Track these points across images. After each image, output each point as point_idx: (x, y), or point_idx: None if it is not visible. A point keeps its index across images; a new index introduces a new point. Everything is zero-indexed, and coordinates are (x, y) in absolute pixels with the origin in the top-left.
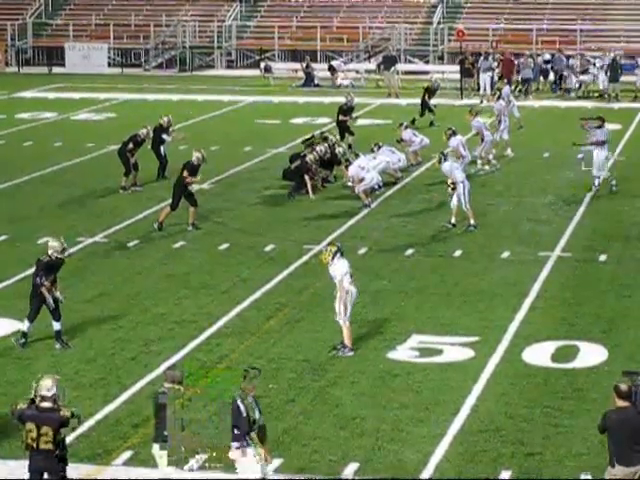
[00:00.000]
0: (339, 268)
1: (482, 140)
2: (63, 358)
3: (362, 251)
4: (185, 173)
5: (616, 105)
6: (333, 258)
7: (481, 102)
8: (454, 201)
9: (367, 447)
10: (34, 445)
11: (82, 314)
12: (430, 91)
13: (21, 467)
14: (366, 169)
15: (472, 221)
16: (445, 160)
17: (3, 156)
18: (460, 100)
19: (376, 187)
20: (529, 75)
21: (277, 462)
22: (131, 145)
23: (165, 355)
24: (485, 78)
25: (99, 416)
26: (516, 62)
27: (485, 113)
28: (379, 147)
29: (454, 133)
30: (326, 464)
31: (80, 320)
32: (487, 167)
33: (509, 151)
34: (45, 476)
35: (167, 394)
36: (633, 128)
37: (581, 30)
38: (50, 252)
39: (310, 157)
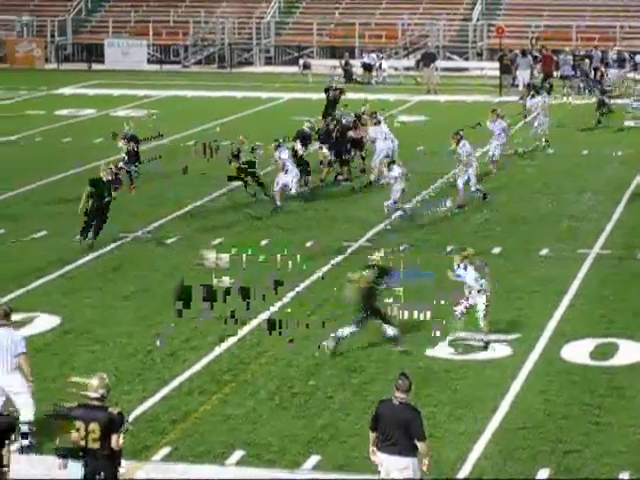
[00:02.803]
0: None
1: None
2: (102, 354)
3: (402, 247)
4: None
5: None
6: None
7: (520, 99)
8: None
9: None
10: (83, 444)
11: (121, 310)
12: None
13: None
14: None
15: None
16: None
17: (42, 152)
18: (499, 97)
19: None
20: (569, 72)
21: (315, 459)
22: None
23: (204, 351)
24: (524, 75)
25: (138, 412)
26: (555, 59)
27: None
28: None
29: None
30: (364, 461)
31: (119, 316)
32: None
33: (543, 142)
34: (99, 476)
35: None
36: None
37: (621, 27)
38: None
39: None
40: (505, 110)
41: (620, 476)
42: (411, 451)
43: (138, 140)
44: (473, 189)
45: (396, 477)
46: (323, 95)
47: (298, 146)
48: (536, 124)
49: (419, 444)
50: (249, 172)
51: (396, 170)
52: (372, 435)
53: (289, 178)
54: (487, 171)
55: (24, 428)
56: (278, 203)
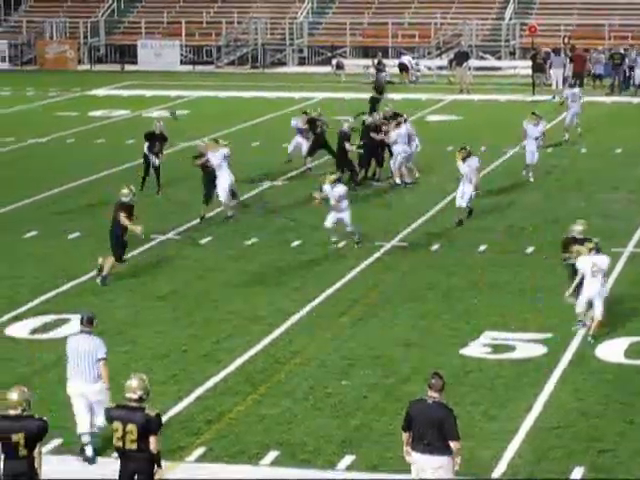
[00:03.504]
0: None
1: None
2: (135, 354)
3: (435, 247)
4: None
5: None
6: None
7: (553, 98)
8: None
9: None
10: (120, 445)
11: (154, 311)
12: None
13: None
14: None
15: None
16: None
17: (76, 153)
18: (532, 96)
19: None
20: (600, 71)
21: (349, 459)
22: None
23: (238, 352)
24: (557, 74)
25: (172, 412)
26: (588, 57)
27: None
28: None
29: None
30: (398, 461)
31: (152, 317)
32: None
33: (567, 136)
34: (136, 477)
35: None
36: None
37: None
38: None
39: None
40: (541, 109)
41: None
42: (445, 450)
43: (166, 139)
44: (464, 205)
45: (429, 476)
46: (356, 95)
47: (348, 147)
48: (571, 114)
49: (452, 443)
50: None
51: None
52: (405, 435)
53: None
54: (525, 179)
55: (93, 436)
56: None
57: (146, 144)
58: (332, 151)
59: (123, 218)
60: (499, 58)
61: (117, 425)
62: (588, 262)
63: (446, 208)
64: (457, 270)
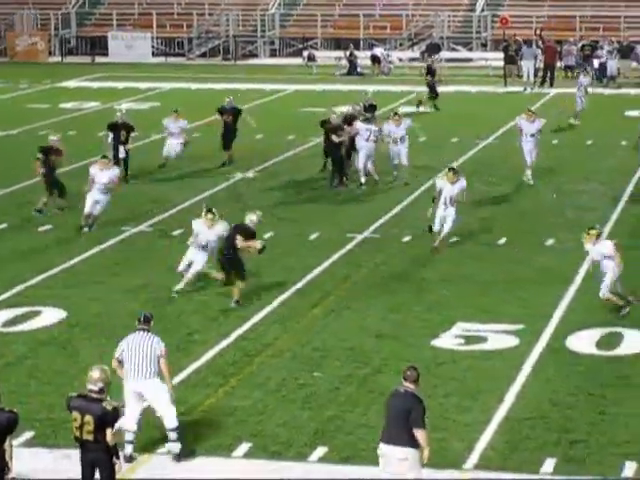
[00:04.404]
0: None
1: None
2: (108, 347)
3: (406, 239)
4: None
5: None
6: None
7: (525, 90)
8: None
9: None
10: (78, 435)
11: (126, 303)
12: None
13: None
14: None
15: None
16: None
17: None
18: (504, 87)
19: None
20: (572, 62)
21: (321, 451)
22: None
23: (209, 344)
24: (528, 65)
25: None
26: (559, 49)
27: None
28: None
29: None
30: (371, 453)
31: (124, 309)
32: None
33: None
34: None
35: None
36: None
37: (625, 16)
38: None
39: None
40: (512, 101)
41: (626, 466)
42: (411, 442)
43: (131, 128)
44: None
45: (395, 468)
46: (328, 87)
47: (335, 138)
48: (579, 102)
49: (417, 432)
50: None
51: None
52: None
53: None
54: (526, 182)
55: (172, 436)
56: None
57: (110, 135)
58: None
59: (240, 241)
60: (471, 50)
61: (76, 415)
62: (595, 250)
63: (419, 199)
64: (429, 262)
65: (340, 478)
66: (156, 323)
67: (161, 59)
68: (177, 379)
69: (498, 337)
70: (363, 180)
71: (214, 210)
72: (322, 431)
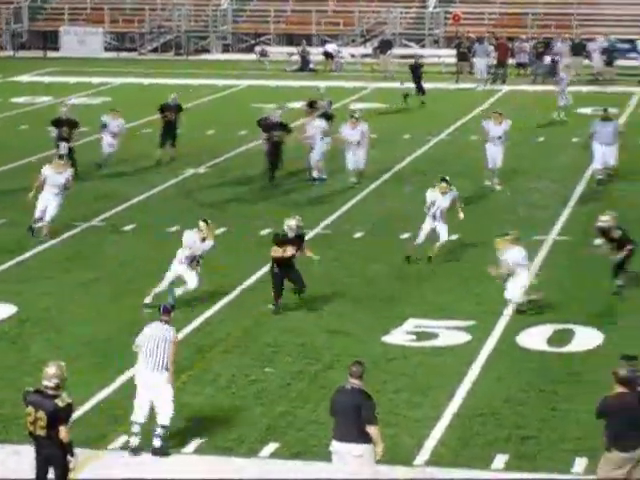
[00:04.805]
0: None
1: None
2: (59, 342)
3: (358, 235)
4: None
5: (609, 89)
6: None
7: (477, 87)
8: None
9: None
10: (32, 430)
11: (78, 299)
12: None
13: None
14: None
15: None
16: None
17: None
18: (456, 84)
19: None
20: (524, 59)
21: (273, 447)
22: None
23: None
24: (481, 63)
25: (96, 400)
26: (511, 46)
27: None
28: None
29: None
30: (322, 449)
31: (76, 305)
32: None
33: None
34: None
35: None
36: (630, 111)
37: (577, 14)
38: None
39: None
40: (465, 98)
41: (576, 462)
42: (364, 438)
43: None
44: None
45: (351, 466)
46: (280, 82)
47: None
48: (562, 98)
49: (369, 429)
50: None
51: None
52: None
53: None
54: (491, 187)
55: (159, 431)
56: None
57: (55, 131)
58: None
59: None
60: (423, 46)
61: (30, 410)
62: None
63: (370, 195)
64: (380, 258)
65: (292, 476)
66: (107, 318)
67: (113, 54)
68: (129, 374)
69: (450, 333)
70: (315, 175)
71: (209, 221)
72: (273, 427)
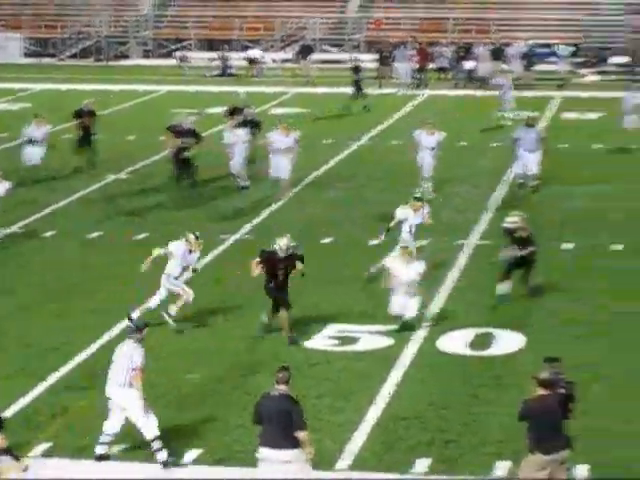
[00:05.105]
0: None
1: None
2: None
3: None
4: None
5: (528, 93)
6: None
7: (398, 91)
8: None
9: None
10: None
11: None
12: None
13: None
14: None
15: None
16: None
17: None
18: (378, 89)
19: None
20: (445, 64)
21: (195, 453)
22: None
23: (81, 346)
24: (402, 67)
25: (16, 407)
26: (431, 51)
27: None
28: None
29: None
30: (246, 455)
31: None
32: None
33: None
34: None
35: None
36: (550, 116)
37: (497, 19)
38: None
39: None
40: (386, 101)
41: (498, 465)
42: (293, 443)
43: None
44: None
45: (282, 471)
46: (201, 88)
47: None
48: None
49: (299, 434)
50: None
51: None
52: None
53: None
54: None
55: (155, 445)
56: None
57: None
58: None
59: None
60: (344, 51)
61: None
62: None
63: (291, 201)
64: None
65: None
66: (27, 324)
67: (33, 60)
68: (50, 381)
69: (371, 338)
70: (243, 183)
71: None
72: (196, 433)
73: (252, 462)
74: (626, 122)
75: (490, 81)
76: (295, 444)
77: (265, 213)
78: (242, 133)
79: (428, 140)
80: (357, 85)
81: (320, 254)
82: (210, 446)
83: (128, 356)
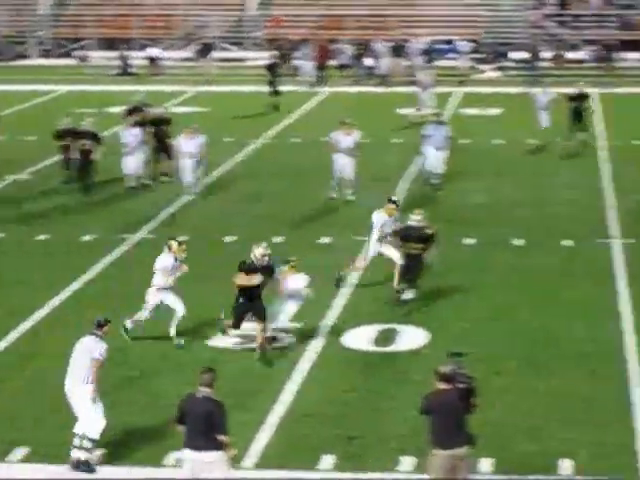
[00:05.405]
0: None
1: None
2: None
3: (181, 239)
4: None
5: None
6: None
7: (301, 88)
8: None
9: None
10: None
11: None
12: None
13: None
14: None
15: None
16: None
17: None
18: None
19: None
20: (345, 61)
21: (99, 453)
22: None
23: None
24: (303, 65)
25: None
26: (331, 48)
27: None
28: None
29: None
30: (146, 454)
31: None
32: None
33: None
34: None
35: None
36: (451, 112)
37: (396, 15)
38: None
39: None
40: (287, 99)
41: (402, 460)
42: (216, 445)
43: None
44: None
45: (205, 472)
46: (101, 87)
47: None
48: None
49: (221, 437)
50: None
51: None
52: (179, 428)
53: None
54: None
55: (84, 443)
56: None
57: None
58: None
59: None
60: (244, 49)
61: None
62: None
63: (192, 199)
64: (203, 261)
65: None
66: None
67: None
68: None
69: (276, 336)
70: (145, 182)
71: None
72: (102, 436)
73: (152, 461)
74: (543, 121)
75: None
76: (217, 446)
77: (166, 212)
78: (139, 133)
79: (345, 140)
80: (272, 84)
81: (223, 252)
82: (113, 448)
83: (88, 351)
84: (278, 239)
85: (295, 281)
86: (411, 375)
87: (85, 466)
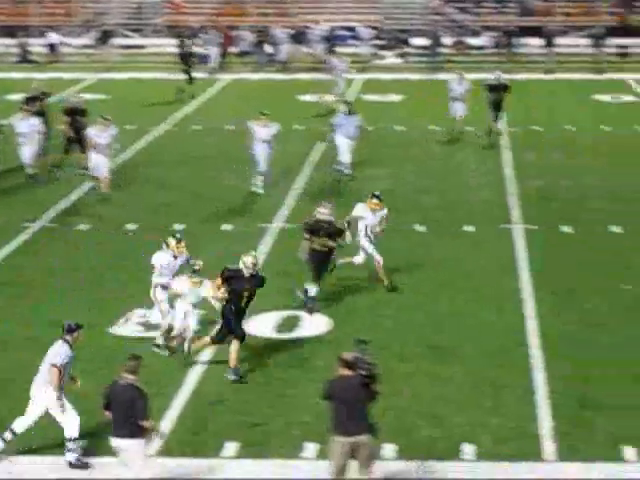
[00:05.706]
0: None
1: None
2: None
3: (82, 227)
4: None
5: (329, 76)
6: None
7: (207, 76)
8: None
9: (91, 424)
10: None
11: None
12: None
13: None
14: None
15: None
16: None
17: None
18: (185, 75)
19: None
20: (245, 48)
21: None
22: None
23: None
24: (212, 50)
25: None
26: (232, 35)
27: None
28: None
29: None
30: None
31: None
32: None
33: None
34: None
35: None
36: (353, 98)
37: (297, 2)
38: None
39: None
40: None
41: (305, 446)
42: (134, 432)
43: None
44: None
45: (123, 459)
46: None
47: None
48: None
49: (143, 423)
50: None
51: None
52: (107, 414)
53: None
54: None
55: (69, 445)
56: None
57: None
58: None
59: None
60: (144, 36)
61: None
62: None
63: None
64: (105, 250)
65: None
66: None
67: None
68: None
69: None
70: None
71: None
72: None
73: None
74: (458, 111)
75: (325, 64)
76: (135, 433)
77: (65, 202)
78: (36, 122)
79: (261, 132)
80: (187, 73)
81: (123, 241)
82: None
83: (52, 356)
84: (180, 227)
85: (181, 283)
86: (314, 361)
87: (77, 465)
